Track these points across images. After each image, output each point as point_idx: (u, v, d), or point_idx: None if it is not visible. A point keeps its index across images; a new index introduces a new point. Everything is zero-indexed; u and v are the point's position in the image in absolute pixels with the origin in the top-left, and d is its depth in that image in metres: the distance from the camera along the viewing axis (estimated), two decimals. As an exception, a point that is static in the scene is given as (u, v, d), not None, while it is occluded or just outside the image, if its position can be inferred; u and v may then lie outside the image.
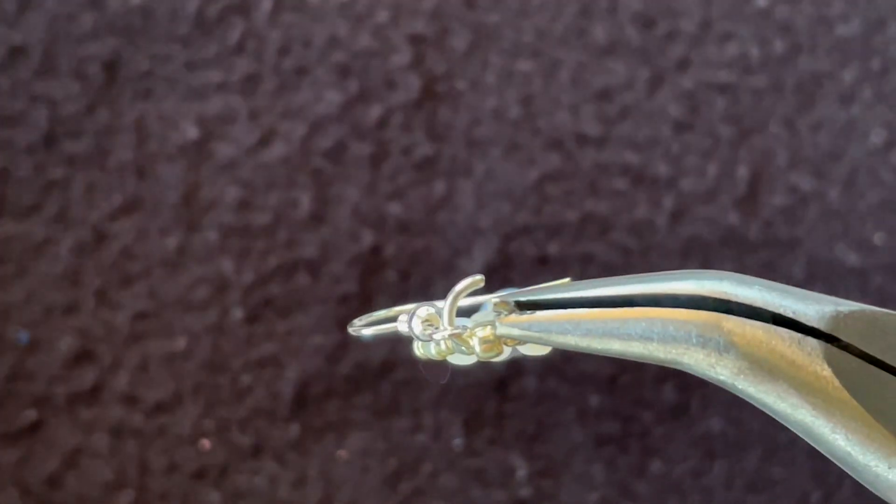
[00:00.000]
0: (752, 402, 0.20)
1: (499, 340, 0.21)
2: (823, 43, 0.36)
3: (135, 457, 0.34)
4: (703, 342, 0.19)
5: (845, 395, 0.19)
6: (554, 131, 0.35)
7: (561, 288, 0.21)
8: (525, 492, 0.34)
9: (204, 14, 0.35)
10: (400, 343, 0.35)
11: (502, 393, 0.34)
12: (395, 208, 0.35)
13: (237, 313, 0.34)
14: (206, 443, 0.34)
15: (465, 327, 0.21)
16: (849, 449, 0.20)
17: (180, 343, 0.34)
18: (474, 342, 0.21)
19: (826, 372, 0.19)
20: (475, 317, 0.21)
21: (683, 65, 0.36)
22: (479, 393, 0.34)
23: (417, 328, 0.22)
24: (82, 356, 0.34)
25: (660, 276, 0.20)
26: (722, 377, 0.19)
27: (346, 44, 0.35)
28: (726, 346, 0.19)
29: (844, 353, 0.20)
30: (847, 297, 0.36)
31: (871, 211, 0.36)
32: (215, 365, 0.34)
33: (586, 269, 0.35)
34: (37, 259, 0.34)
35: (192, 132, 0.35)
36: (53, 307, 0.34)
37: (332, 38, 0.35)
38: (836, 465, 0.36)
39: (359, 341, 0.34)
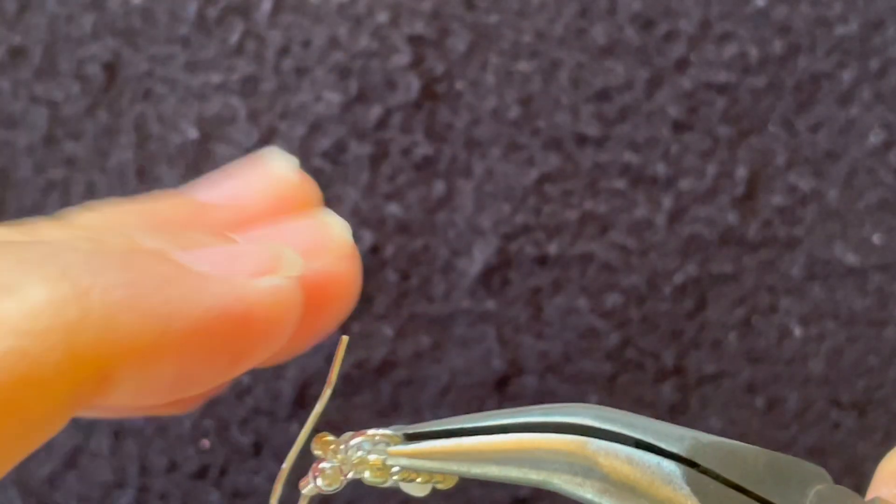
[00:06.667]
0: None
1: (387, 468, 0.23)
2: (822, 43, 0.36)
3: (135, 456, 0.34)
4: (570, 464, 0.21)
5: None
6: (553, 131, 0.35)
7: (444, 421, 0.23)
8: (525, 491, 0.34)
9: (204, 15, 0.35)
10: (400, 344, 0.35)
11: (502, 392, 0.34)
12: (394, 208, 0.35)
13: (237, 313, 0.34)
14: (206, 442, 0.34)
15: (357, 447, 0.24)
16: None
17: (180, 343, 0.34)
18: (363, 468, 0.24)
19: (685, 491, 0.21)
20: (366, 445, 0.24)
21: (682, 65, 0.36)
22: (479, 392, 0.35)
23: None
24: (83, 356, 0.34)
25: (532, 410, 0.22)
26: (588, 496, 0.21)
27: (346, 44, 0.35)
28: (591, 469, 0.21)
29: (704, 476, 0.21)
30: (846, 297, 0.36)
31: (869, 211, 0.36)
32: (215, 365, 0.34)
33: (586, 268, 0.35)
34: (37, 259, 0.34)
35: (192, 133, 0.35)
36: (54, 307, 0.34)
37: (331, 39, 0.35)
38: (835, 465, 0.36)
39: (358, 340, 0.34)
